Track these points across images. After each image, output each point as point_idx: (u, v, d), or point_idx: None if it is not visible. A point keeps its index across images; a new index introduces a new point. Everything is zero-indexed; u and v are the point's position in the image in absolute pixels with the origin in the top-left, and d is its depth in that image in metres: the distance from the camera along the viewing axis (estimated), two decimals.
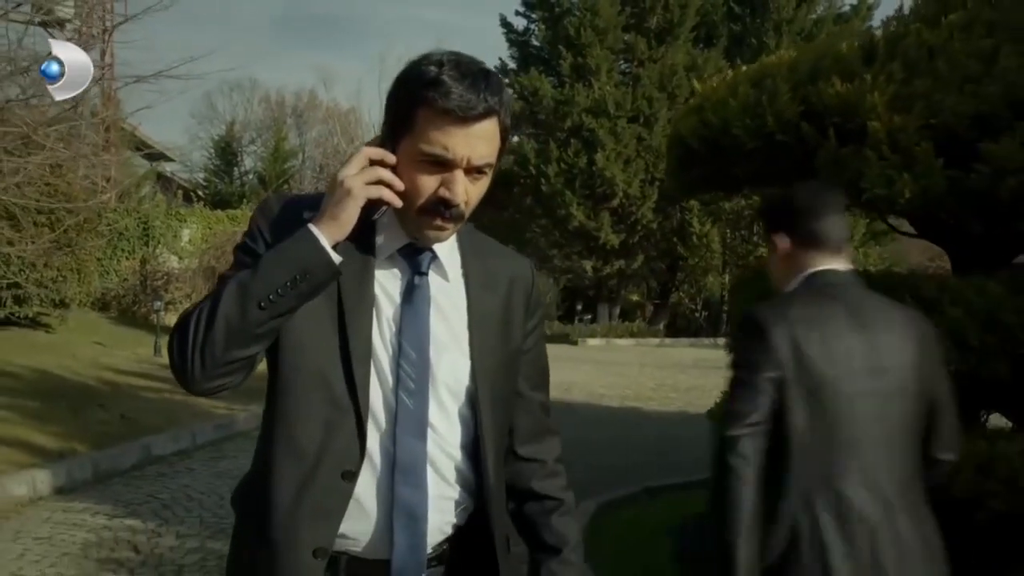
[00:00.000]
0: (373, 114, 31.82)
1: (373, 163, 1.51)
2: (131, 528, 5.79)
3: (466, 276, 1.67)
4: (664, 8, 25.85)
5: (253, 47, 59.56)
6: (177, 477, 7.30)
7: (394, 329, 1.58)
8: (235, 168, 32.46)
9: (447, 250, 1.65)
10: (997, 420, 4.70)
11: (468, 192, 1.54)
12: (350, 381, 1.54)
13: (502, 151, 1.58)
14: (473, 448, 1.65)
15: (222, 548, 5.36)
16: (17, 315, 12.61)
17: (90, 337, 14.15)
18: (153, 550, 5.37)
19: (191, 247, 18.76)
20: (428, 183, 1.51)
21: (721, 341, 16.70)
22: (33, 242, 10.93)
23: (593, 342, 23.67)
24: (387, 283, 1.60)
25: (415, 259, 1.61)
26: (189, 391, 1.51)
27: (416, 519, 1.57)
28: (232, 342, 1.46)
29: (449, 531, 1.65)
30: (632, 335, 24.98)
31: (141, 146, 26.21)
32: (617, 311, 27.58)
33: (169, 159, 29.89)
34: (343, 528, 1.56)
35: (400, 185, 1.51)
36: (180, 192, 29.07)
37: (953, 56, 3.80)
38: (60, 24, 20.86)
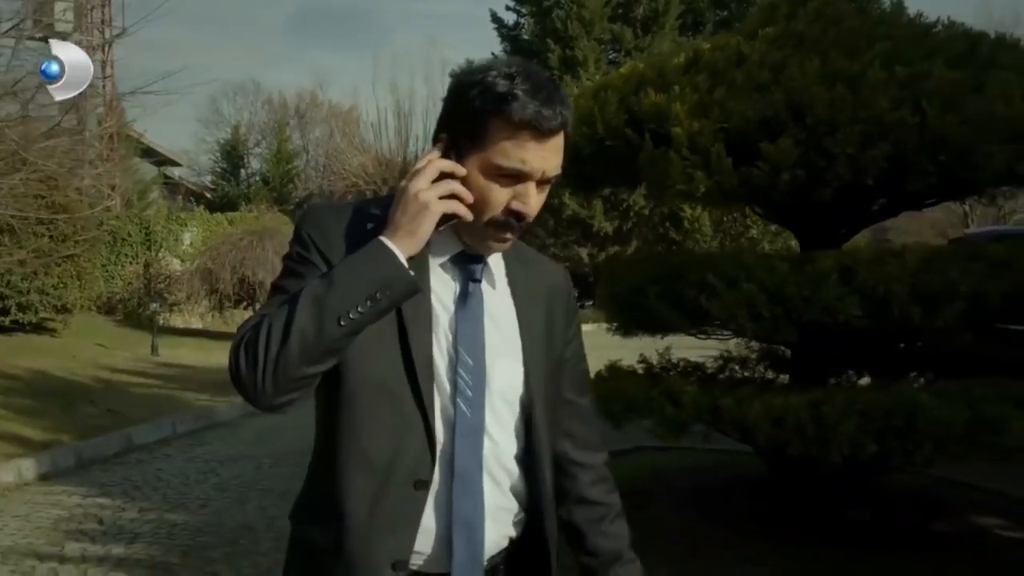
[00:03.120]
0: (371, 113, 32.45)
1: (444, 175, 1.51)
2: (100, 505, 6.49)
3: (512, 284, 1.67)
4: None
5: (253, 48, 60.41)
6: (154, 463, 8.01)
7: (450, 337, 1.57)
8: (242, 170, 33.29)
9: (494, 258, 1.65)
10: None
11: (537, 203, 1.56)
12: (416, 390, 1.52)
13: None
14: (526, 458, 1.65)
15: (176, 519, 6.10)
16: (21, 321, 13.41)
17: (93, 339, 14.95)
18: (115, 522, 6.07)
19: (192, 250, 19.54)
20: (501, 195, 1.52)
21: None
22: (36, 256, 11.72)
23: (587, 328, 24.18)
24: (441, 291, 1.59)
25: (467, 267, 1.61)
26: (256, 406, 1.49)
27: (474, 530, 1.56)
28: (307, 357, 1.44)
29: (505, 544, 1.65)
30: None
31: (148, 152, 27.14)
32: None
33: (176, 164, 30.80)
34: (423, 540, 1.55)
35: (471, 198, 1.51)
36: (187, 195, 29.98)
37: (750, 67, 4.43)
38: (61, 38, 21.67)
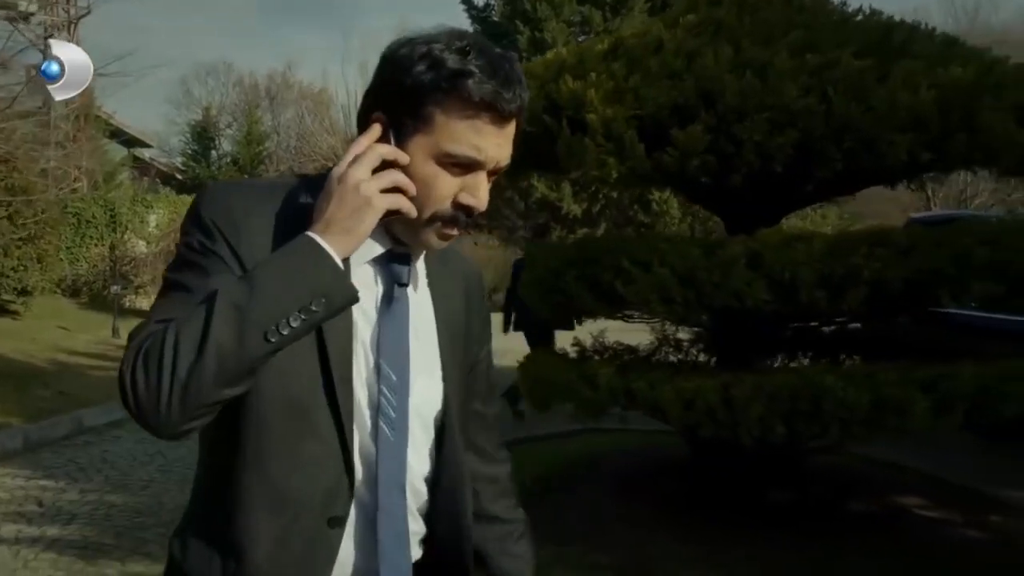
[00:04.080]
0: (340, 94, 32.35)
1: (385, 163, 1.30)
2: (43, 487, 6.53)
3: (431, 286, 1.49)
4: None
5: (226, 27, 60.02)
6: (102, 445, 8.04)
7: (370, 350, 1.38)
8: (212, 152, 33.13)
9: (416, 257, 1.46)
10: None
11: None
12: (334, 412, 1.33)
13: None
14: (439, 479, 1.48)
15: (116, 500, 6.15)
16: None
17: (55, 322, 14.90)
18: (55, 503, 6.11)
19: (158, 232, 19.47)
20: (448, 186, 1.33)
21: None
22: None
23: None
24: (363, 293, 1.33)
25: (392, 267, 1.40)
26: (158, 435, 1.24)
27: (399, 563, 1.41)
28: (225, 378, 1.19)
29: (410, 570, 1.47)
30: None
31: (117, 133, 26.95)
32: None
33: (146, 145, 30.60)
34: None
35: (414, 191, 1.31)
36: (157, 177, 29.81)
37: (665, 54, 4.49)
38: (25, 18, 21.46)
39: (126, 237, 19.06)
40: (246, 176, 30.31)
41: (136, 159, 29.76)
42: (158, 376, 1.18)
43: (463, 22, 29.85)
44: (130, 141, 28.50)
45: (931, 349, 4.75)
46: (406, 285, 1.41)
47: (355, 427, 1.36)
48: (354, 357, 1.36)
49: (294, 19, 65.06)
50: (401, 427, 1.38)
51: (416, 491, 1.45)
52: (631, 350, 5.83)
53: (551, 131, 4.63)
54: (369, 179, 1.27)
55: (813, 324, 5.79)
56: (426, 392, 1.44)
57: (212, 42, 65.71)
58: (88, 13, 23.05)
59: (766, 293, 4.17)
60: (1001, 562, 4.72)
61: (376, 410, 1.37)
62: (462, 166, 1.32)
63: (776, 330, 5.21)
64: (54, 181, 17.56)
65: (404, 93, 1.31)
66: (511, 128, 1.34)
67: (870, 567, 4.55)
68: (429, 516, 1.49)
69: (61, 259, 16.71)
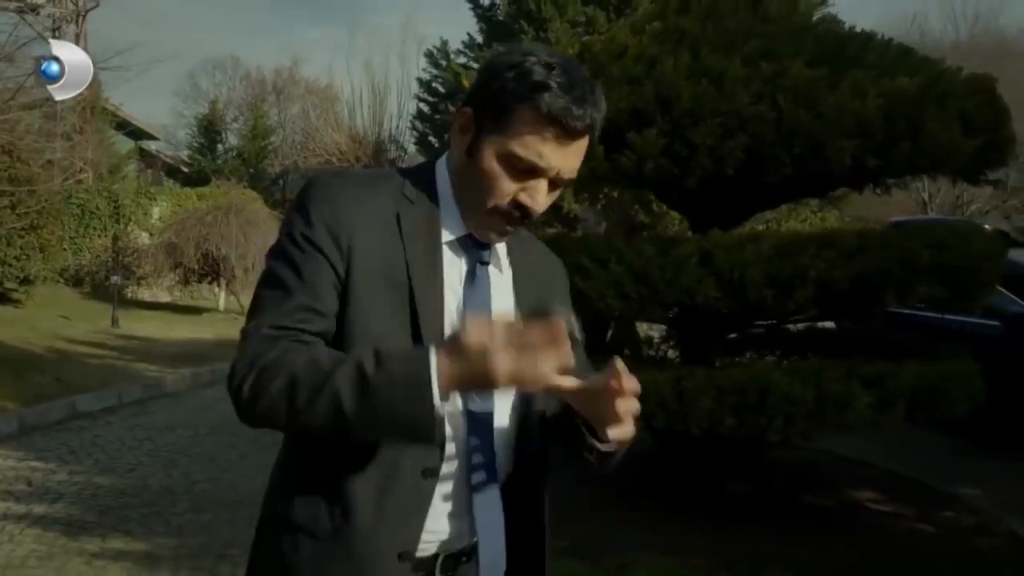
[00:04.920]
0: (346, 90, 32.56)
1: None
2: (33, 468, 6.74)
3: (513, 264, 1.61)
4: None
5: (232, 22, 60.28)
6: (94, 430, 8.24)
7: (457, 319, 1.50)
8: (219, 145, 33.38)
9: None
10: None
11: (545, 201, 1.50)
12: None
13: None
14: (519, 433, 1.60)
15: (103, 482, 6.36)
16: None
17: (57, 311, 15.13)
18: (44, 483, 6.32)
19: (161, 224, 19.71)
20: (509, 185, 1.46)
21: None
22: None
23: None
24: (449, 271, 1.52)
25: (475, 248, 1.54)
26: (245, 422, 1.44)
27: (493, 506, 1.53)
28: (306, 422, 1.36)
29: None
30: None
31: (123, 125, 27.22)
32: None
33: (153, 137, 30.88)
34: (429, 527, 1.51)
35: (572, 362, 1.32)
36: (162, 169, 30.09)
37: (627, 60, 4.69)
38: (34, 10, 21.71)
39: (129, 229, 19.31)
40: (251, 170, 30.55)
41: (143, 151, 30.03)
42: (268, 411, 1.37)
43: (469, 21, 30.11)
44: (137, 133, 28.78)
45: (902, 350, 4.93)
46: (487, 264, 1.55)
47: None
48: (448, 320, 1.49)
49: (301, 15, 65.28)
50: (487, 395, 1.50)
51: (509, 445, 1.57)
52: None
53: None
54: (507, 370, 1.28)
55: (780, 323, 5.99)
56: None
57: (220, 37, 66.04)
58: (96, 6, 23.31)
59: (716, 291, 4.36)
60: (945, 554, 4.90)
61: None
62: (525, 170, 1.45)
63: (734, 328, 5.40)
64: (60, 172, 17.83)
65: (491, 95, 1.46)
66: (579, 144, 1.46)
67: (817, 557, 4.74)
68: (509, 478, 1.59)
69: (64, 249, 16.96)
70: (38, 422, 8.24)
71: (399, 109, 29.51)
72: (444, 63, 28.21)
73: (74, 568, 4.73)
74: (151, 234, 19.55)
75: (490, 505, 1.53)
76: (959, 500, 5.82)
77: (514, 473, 1.61)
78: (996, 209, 23.54)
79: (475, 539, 1.54)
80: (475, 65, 26.17)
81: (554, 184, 1.48)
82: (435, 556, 1.52)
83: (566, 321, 1.32)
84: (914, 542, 5.12)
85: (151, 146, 31.23)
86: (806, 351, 5.59)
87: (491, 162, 1.46)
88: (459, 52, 28.88)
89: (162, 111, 68.00)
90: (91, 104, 23.03)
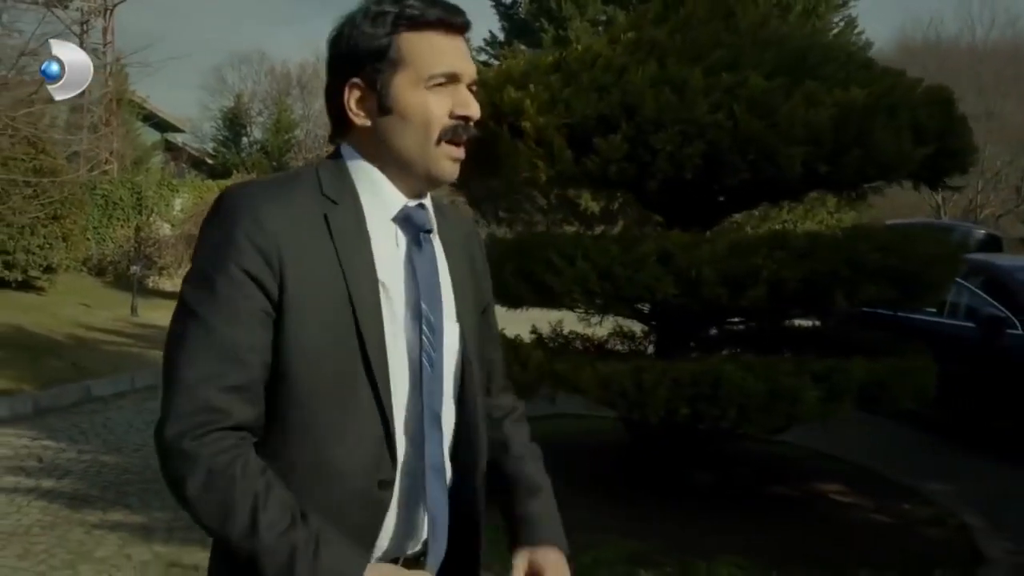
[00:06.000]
0: None
1: None
2: (44, 447, 7.11)
3: (439, 236, 1.58)
4: None
5: (260, 16, 60.86)
6: (106, 412, 8.61)
7: (404, 300, 1.48)
8: (243, 139, 33.88)
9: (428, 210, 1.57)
10: None
11: None
12: (372, 381, 1.42)
13: None
14: (456, 419, 1.59)
15: (109, 460, 6.73)
16: (7, 278, 14.08)
17: (78, 299, 15.58)
18: (53, 460, 6.70)
19: (183, 215, 20.14)
20: (441, 104, 1.46)
21: None
22: (12, 213, 12.38)
23: None
24: (396, 247, 1.50)
25: (413, 219, 1.51)
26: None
27: (443, 509, 1.52)
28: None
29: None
30: None
31: (149, 117, 27.74)
32: None
33: (179, 130, 31.41)
34: (390, 535, 1.50)
35: None
36: (186, 161, 30.59)
37: (597, 69, 4.96)
38: (64, 4, 22.22)
39: (151, 219, 19.75)
40: (274, 164, 30.99)
41: (168, 143, 30.55)
42: (194, 514, 1.37)
43: (490, 17, 30.38)
44: (163, 125, 29.30)
45: (869, 348, 5.17)
46: (431, 230, 1.54)
47: (390, 390, 1.44)
48: (389, 315, 1.45)
49: (326, 11, 65.73)
50: (438, 363, 1.49)
51: (447, 425, 1.55)
52: (587, 339, 6.32)
53: (496, 135, 5.11)
54: None
55: (758, 321, 6.26)
56: (451, 335, 1.54)
57: (248, 29, 66.67)
58: (124, 0, 23.79)
59: (674, 288, 4.63)
60: (892, 543, 5.16)
61: (419, 352, 1.47)
62: (444, 83, 1.46)
63: (710, 324, 5.67)
64: (85, 163, 18.30)
65: (368, 51, 1.45)
66: (464, 44, 1.50)
67: (769, 542, 5.00)
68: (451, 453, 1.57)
69: (88, 239, 17.40)
70: (53, 404, 8.62)
71: None
72: None
73: (74, 536, 5.08)
74: (172, 225, 19.99)
75: (440, 506, 1.51)
76: (919, 494, 6.06)
77: (459, 469, 1.60)
78: (1010, 213, 23.55)
79: (425, 539, 1.53)
80: (495, 63, 26.39)
81: (469, 88, 1.50)
82: (395, 560, 1.50)
83: None
84: (866, 531, 5.37)
85: (177, 138, 31.73)
86: (782, 348, 5.84)
87: (413, 98, 1.45)
88: (480, 50, 29.17)
89: (189, 103, 69.07)
90: (118, 97, 23.50)
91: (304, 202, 1.45)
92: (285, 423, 1.42)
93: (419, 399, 1.48)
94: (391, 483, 1.46)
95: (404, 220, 1.51)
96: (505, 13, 28.95)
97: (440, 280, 1.54)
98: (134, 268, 15.52)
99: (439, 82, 1.45)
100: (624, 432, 6.03)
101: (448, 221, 1.62)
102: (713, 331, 6.62)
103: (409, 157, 1.47)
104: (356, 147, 1.52)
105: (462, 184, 5.69)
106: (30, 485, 6.01)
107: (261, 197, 1.43)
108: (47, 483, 6.08)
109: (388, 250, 1.49)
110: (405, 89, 1.45)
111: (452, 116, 1.46)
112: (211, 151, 33.44)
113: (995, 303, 7.65)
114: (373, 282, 1.44)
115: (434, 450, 1.49)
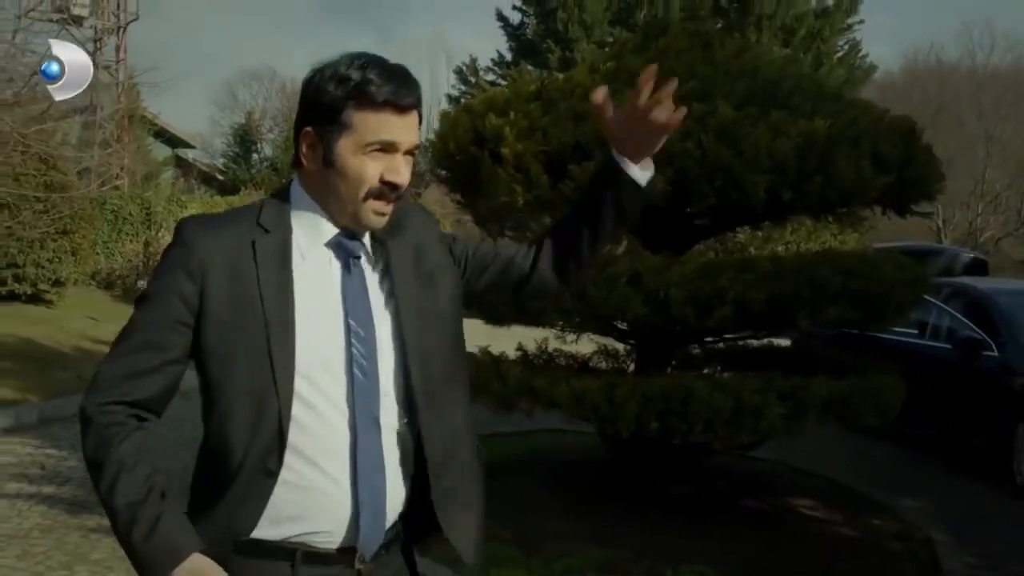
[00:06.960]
0: None
1: None
2: (47, 455, 7.36)
3: (389, 256, 1.80)
4: (650, 2, 26.95)
5: (271, 30, 61.59)
6: None
7: (339, 317, 1.71)
8: (254, 155, 34.27)
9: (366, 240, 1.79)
10: None
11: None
12: (275, 381, 1.65)
13: None
14: (412, 418, 1.78)
15: None
16: (17, 291, 14.36)
17: (86, 312, 15.84)
18: (55, 468, 6.94)
19: None
20: (373, 169, 1.67)
21: None
22: (22, 227, 12.66)
23: None
24: (327, 271, 1.74)
25: (345, 246, 1.74)
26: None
27: (376, 487, 1.71)
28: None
29: (400, 508, 1.78)
30: None
31: (161, 133, 28.13)
32: None
33: (190, 146, 31.82)
34: (309, 524, 1.69)
35: None
36: (196, 177, 30.94)
37: (575, 98, 5.20)
38: (77, 21, 22.61)
39: (160, 234, 20.05)
40: (284, 181, 31.26)
41: (179, 159, 30.95)
42: (86, 461, 1.72)
43: (498, 37, 30.78)
44: (174, 141, 29.70)
45: (839, 367, 5.38)
46: (359, 258, 1.75)
47: (310, 386, 1.67)
48: (314, 326, 1.68)
49: (334, 27, 66.55)
50: (372, 372, 1.70)
51: (390, 427, 1.73)
52: (572, 356, 6.54)
53: (477, 160, 5.35)
54: None
55: (738, 340, 6.46)
56: (387, 353, 1.75)
57: (260, 43, 67.40)
58: (136, 19, 24.22)
59: (643, 308, 4.84)
60: (861, 557, 5.35)
61: (351, 362, 1.69)
62: (381, 151, 1.67)
63: (677, 344, 5.88)
64: (96, 178, 18.61)
65: (324, 108, 1.67)
66: (412, 118, 1.70)
67: (736, 553, 5.19)
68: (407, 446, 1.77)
69: (97, 253, 17.69)
70: (57, 414, 8.83)
71: (428, 121, 30.11)
72: (473, 80, 28.78)
73: (71, 540, 5.32)
74: None
75: (377, 497, 1.71)
76: (890, 509, 6.23)
77: (419, 464, 1.79)
78: (1010, 236, 23.69)
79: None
80: (503, 83, 26.71)
81: (406, 156, 1.71)
82: (296, 549, 1.70)
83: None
84: (832, 544, 5.56)
85: (188, 154, 32.14)
86: (759, 368, 6.03)
87: (351, 159, 1.67)
88: (488, 69, 29.51)
89: (200, 119, 69.83)
90: (129, 113, 23.88)
91: (238, 231, 1.72)
92: (208, 410, 1.73)
93: (352, 402, 1.69)
94: (275, 473, 1.66)
95: (336, 246, 1.75)
96: (513, 34, 29.29)
97: (373, 301, 1.76)
98: (142, 283, 15.79)
99: (376, 148, 1.67)
100: (602, 447, 6.22)
101: (401, 238, 1.83)
102: (696, 350, 6.84)
103: (342, 204, 1.71)
104: (303, 181, 1.77)
105: (467, 204, 5.94)
106: (32, 491, 6.25)
107: (199, 228, 1.73)
108: (48, 489, 6.32)
109: (320, 271, 1.74)
110: (346, 151, 1.67)
111: (382, 180, 1.68)
112: (221, 167, 33.82)
113: (972, 326, 7.85)
114: (287, 299, 1.68)
115: (369, 448, 1.70)
